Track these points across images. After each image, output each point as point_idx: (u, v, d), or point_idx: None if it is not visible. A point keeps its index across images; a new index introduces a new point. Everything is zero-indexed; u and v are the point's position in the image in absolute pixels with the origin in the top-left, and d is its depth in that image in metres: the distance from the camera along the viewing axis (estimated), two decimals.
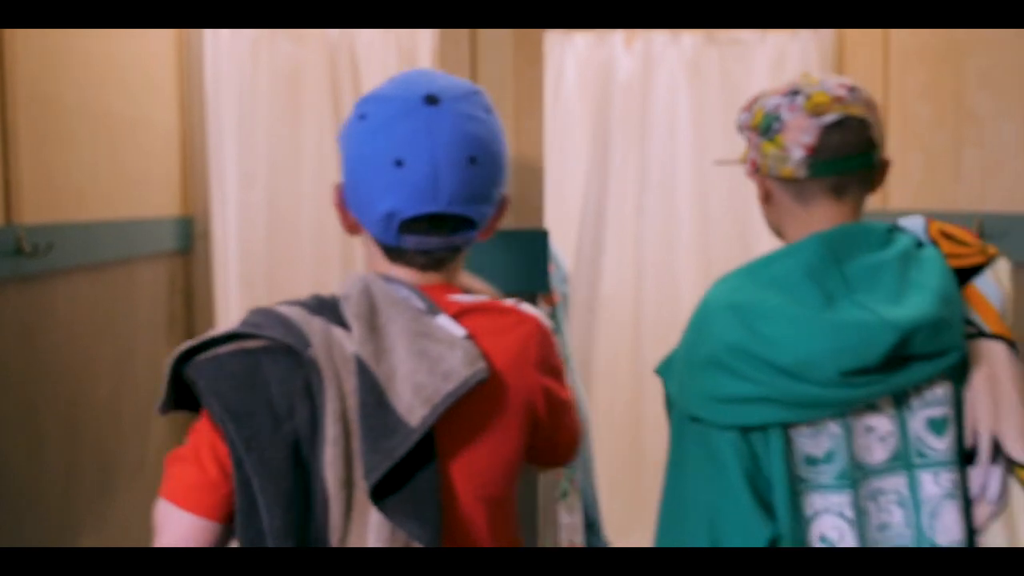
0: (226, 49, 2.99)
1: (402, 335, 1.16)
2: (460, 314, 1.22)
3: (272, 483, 1.11)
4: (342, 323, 1.18)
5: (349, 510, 1.14)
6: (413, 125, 1.17)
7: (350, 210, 1.25)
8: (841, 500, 1.27)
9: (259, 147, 3.00)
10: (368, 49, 3.08)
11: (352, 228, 1.28)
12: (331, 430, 1.12)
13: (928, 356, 1.24)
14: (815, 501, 1.28)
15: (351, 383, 1.14)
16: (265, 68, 3.06)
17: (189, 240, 2.93)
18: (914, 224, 1.38)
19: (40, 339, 2.04)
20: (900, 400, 1.27)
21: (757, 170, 1.38)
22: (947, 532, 1.26)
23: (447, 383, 1.14)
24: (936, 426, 1.28)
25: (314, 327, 1.16)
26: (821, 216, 1.35)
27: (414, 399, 1.13)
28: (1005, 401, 1.24)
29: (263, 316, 1.18)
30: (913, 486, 1.28)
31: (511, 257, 1.60)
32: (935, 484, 1.27)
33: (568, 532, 2.62)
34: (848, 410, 1.26)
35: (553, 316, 2.54)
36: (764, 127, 1.36)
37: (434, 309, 1.21)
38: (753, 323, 1.25)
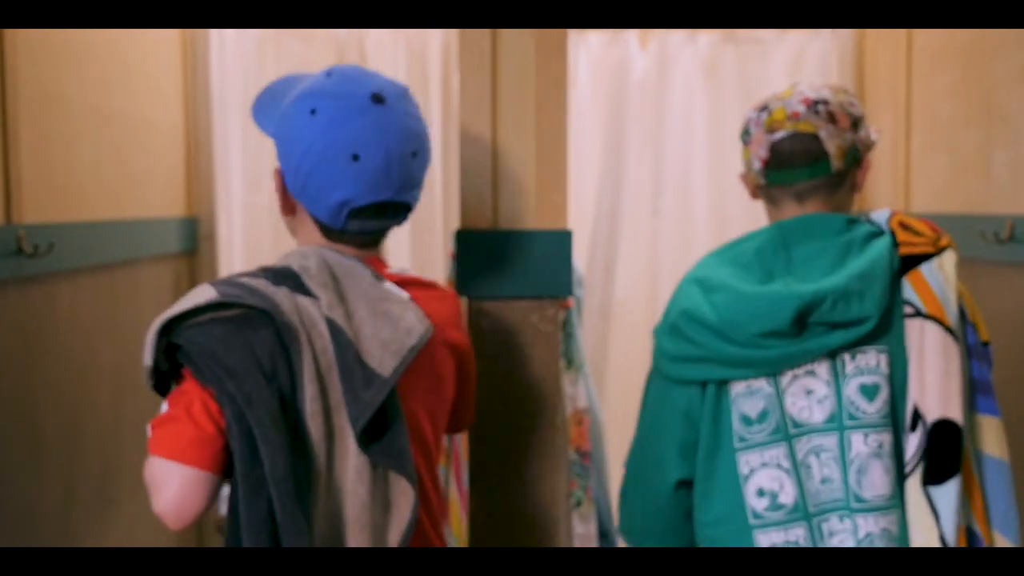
0: (232, 48, 2.95)
1: (363, 299, 1.33)
2: (398, 284, 1.39)
3: (273, 433, 1.21)
4: (304, 291, 1.31)
5: (331, 459, 1.27)
6: (366, 123, 1.32)
7: (291, 194, 1.38)
8: (777, 452, 1.45)
9: (265, 148, 2.96)
10: (377, 48, 3.03)
11: (290, 210, 1.42)
12: (309, 389, 1.25)
13: (841, 325, 1.43)
14: (751, 459, 1.46)
15: (321, 345, 1.27)
16: (272, 67, 3.02)
17: (194, 241, 2.90)
18: (880, 217, 1.53)
19: (41, 342, 2.00)
20: (836, 368, 1.45)
21: (744, 174, 1.60)
22: (873, 488, 1.41)
23: (409, 338, 1.32)
24: (867, 392, 1.43)
25: (280, 296, 1.28)
26: (789, 215, 1.55)
27: (383, 353, 1.30)
28: (929, 374, 1.41)
29: (234, 287, 1.27)
30: (844, 444, 1.43)
31: (534, 259, 1.54)
32: (864, 444, 1.42)
33: (582, 542, 2.56)
34: (774, 371, 1.45)
35: (567, 320, 2.49)
36: (742, 137, 1.59)
37: (380, 278, 1.37)
38: (706, 294, 1.48)
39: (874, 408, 1.43)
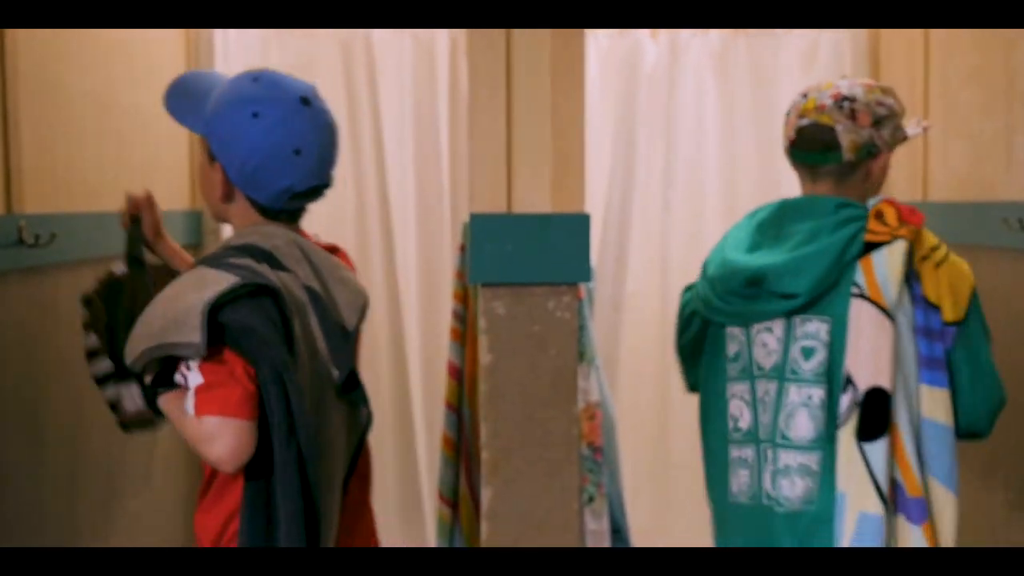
0: (236, 41, 2.92)
1: (324, 269, 1.61)
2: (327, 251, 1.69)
3: (302, 393, 1.45)
4: (281, 267, 1.52)
5: (318, 410, 1.51)
6: (302, 122, 1.59)
7: (237, 184, 1.59)
8: (743, 387, 1.83)
9: None
10: (383, 42, 2.99)
11: (228, 197, 1.62)
12: (303, 355, 1.48)
13: (780, 296, 1.74)
14: (732, 388, 1.84)
15: (305, 312, 1.52)
16: (276, 61, 2.98)
17: (199, 234, 2.86)
18: (873, 203, 1.74)
19: (42, 335, 1.97)
20: (788, 329, 1.76)
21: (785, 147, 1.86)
22: (796, 430, 1.74)
23: (360, 297, 1.68)
24: (806, 353, 1.74)
25: (268, 273, 1.48)
26: (806, 191, 1.84)
27: (348, 312, 1.62)
28: (863, 347, 1.66)
29: (242, 270, 1.46)
30: (781, 392, 1.76)
31: (550, 244, 1.49)
32: (796, 394, 1.74)
33: (594, 538, 2.52)
34: (740, 323, 1.81)
35: (578, 312, 2.44)
36: (786, 115, 1.85)
37: (320, 248, 1.66)
38: (715, 252, 1.87)
39: (809, 367, 1.73)
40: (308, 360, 1.49)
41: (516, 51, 1.51)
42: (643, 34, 3.04)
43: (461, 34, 2.91)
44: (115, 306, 1.75)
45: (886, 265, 1.68)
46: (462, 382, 2.50)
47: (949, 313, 1.69)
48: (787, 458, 1.74)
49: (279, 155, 1.57)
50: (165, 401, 1.51)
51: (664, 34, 3.04)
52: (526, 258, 1.48)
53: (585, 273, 1.52)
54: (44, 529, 1.95)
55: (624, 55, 3.06)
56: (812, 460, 1.73)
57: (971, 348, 1.71)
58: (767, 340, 1.78)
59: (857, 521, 1.68)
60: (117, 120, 2.34)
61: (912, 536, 1.68)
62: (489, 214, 1.51)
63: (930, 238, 1.72)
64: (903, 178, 2.75)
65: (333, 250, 1.77)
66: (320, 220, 3.01)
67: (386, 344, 3.02)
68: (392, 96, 3.02)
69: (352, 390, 1.62)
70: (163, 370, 1.49)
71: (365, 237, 3.00)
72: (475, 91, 1.54)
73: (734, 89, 3.06)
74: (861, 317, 1.68)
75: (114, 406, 1.74)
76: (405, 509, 3.08)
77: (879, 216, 1.71)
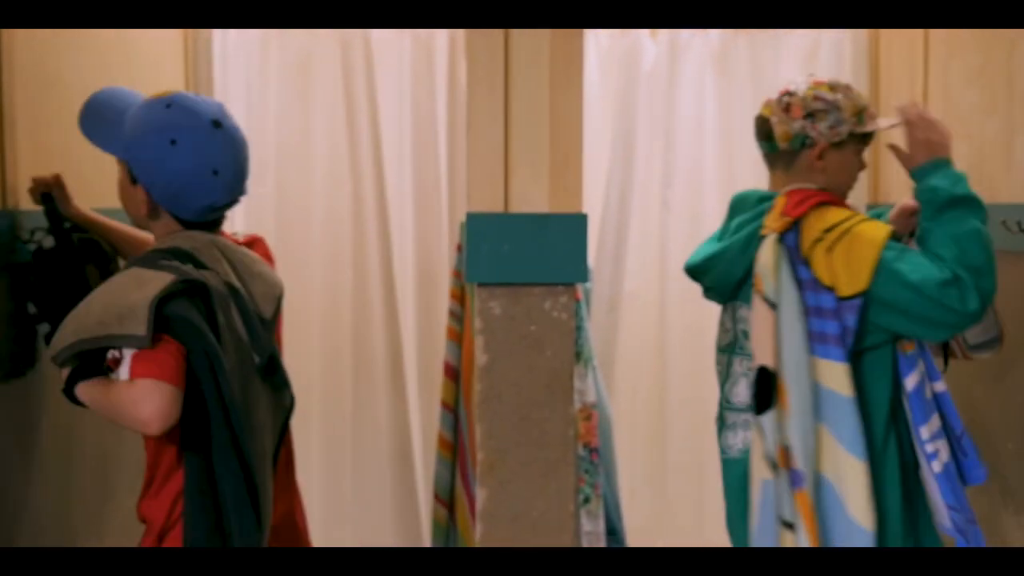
0: (235, 37, 2.90)
1: (242, 265, 1.76)
2: (244, 246, 1.85)
3: (231, 376, 1.61)
4: (202, 267, 1.66)
5: (245, 393, 1.65)
6: (217, 145, 1.71)
7: (160, 204, 1.71)
8: (723, 359, 2.12)
9: (268, 138, 2.92)
10: (382, 42, 2.99)
11: (153, 214, 1.73)
12: (228, 343, 1.63)
13: (704, 288, 2.13)
14: (716, 361, 2.16)
15: (228, 305, 1.66)
16: (275, 57, 2.97)
17: None
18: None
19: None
20: (732, 314, 2.08)
21: None
22: (737, 396, 2.06)
23: (276, 288, 1.85)
24: (745, 334, 2.04)
25: (193, 272, 1.62)
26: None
27: (264, 303, 1.78)
28: (755, 331, 1.91)
29: (175, 270, 1.60)
30: (730, 364, 2.08)
31: (547, 244, 1.49)
32: (739, 367, 2.05)
33: (590, 539, 2.51)
34: (718, 303, 2.13)
35: (575, 312, 2.43)
36: None
37: (239, 246, 1.81)
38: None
39: (749, 344, 1.97)
40: (232, 347, 1.64)
41: (514, 51, 1.50)
42: (643, 34, 3.03)
43: (460, 34, 2.90)
44: (51, 275, 1.87)
45: (761, 259, 1.89)
46: (459, 382, 2.49)
47: (846, 288, 1.81)
48: (731, 417, 2.07)
49: (199, 177, 1.70)
50: (87, 386, 1.60)
51: (664, 34, 3.03)
52: (523, 258, 1.48)
53: (582, 273, 1.52)
54: (39, 527, 1.94)
55: (624, 54, 3.05)
56: (747, 421, 2.02)
57: (892, 293, 1.79)
58: (724, 321, 2.11)
59: (760, 488, 1.89)
60: None
61: (792, 500, 1.84)
62: (486, 213, 1.50)
63: (824, 220, 1.85)
64: (902, 179, 2.74)
65: (254, 241, 1.94)
66: (318, 217, 3.02)
67: (383, 343, 3.01)
68: (391, 95, 3.02)
69: (273, 374, 1.79)
70: (83, 364, 1.60)
71: (363, 236, 2.99)
72: (473, 91, 1.53)
73: (734, 89, 3.05)
74: (754, 305, 1.90)
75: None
76: (401, 509, 3.07)
77: (773, 209, 1.93)
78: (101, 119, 1.75)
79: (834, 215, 1.88)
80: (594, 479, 2.51)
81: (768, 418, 1.86)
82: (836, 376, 1.82)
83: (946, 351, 2.06)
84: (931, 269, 1.78)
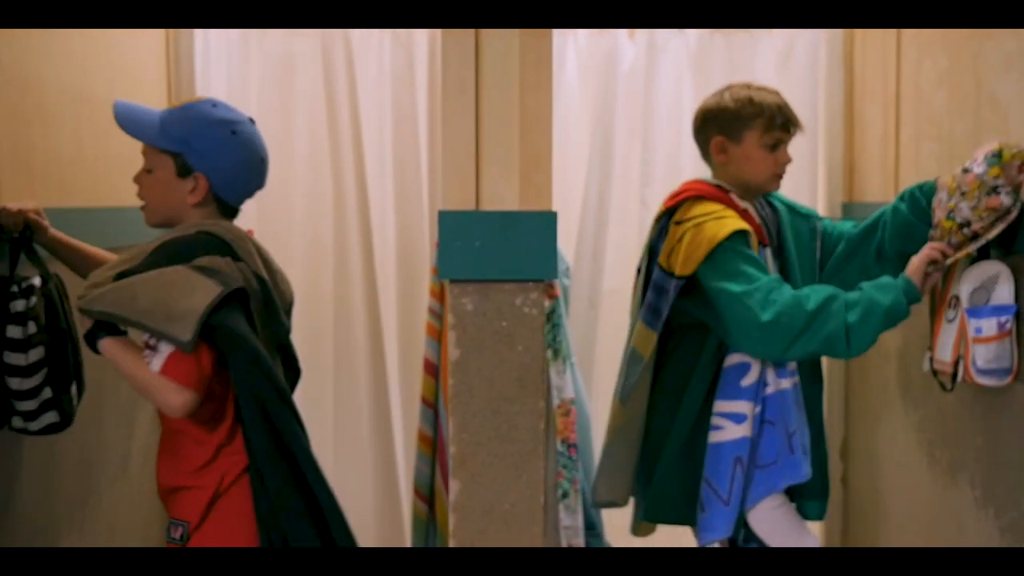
0: (216, 36, 2.92)
1: (268, 260, 1.93)
2: None
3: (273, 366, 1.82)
4: (238, 258, 1.81)
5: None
6: (258, 137, 1.94)
7: (217, 191, 1.89)
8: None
9: None
10: (362, 41, 3.01)
11: (203, 203, 1.89)
12: (263, 338, 1.82)
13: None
14: None
15: (259, 298, 1.83)
16: (256, 56, 2.99)
17: None
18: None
19: None
20: None
21: None
22: None
23: (290, 286, 2.03)
24: None
25: (234, 271, 1.77)
26: None
27: (286, 297, 1.99)
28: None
29: (217, 274, 1.74)
30: None
31: (518, 241, 1.51)
32: None
33: (568, 534, 2.53)
34: None
35: (553, 310, 2.46)
36: None
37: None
38: None
39: None
40: (266, 343, 1.83)
41: (485, 51, 1.53)
42: (621, 34, 3.06)
43: (439, 34, 2.92)
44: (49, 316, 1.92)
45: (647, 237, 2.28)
46: (438, 378, 2.52)
47: (678, 269, 2.10)
48: None
49: (253, 165, 1.93)
50: (115, 346, 1.77)
51: (642, 34, 3.06)
52: (494, 255, 1.51)
53: (552, 270, 1.55)
54: (19, 526, 1.96)
55: (602, 55, 3.08)
56: None
57: (709, 288, 2.09)
58: None
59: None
60: (95, 116, 2.34)
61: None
62: (458, 211, 1.53)
63: (690, 211, 2.15)
64: (876, 178, 2.78)
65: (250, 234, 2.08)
66: (299, 216, 3.04)
67: (364, 339, 3.03)
68: (371, 94, 3.04)
69: (291, 363, 2.05)
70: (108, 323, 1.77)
71: (344, 234, 3.02)
72: (447, 91, 1.56)
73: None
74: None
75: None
76: (382, 505, 3.09)
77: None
78: (138, 121, 1.90)
79: (701, 209, 2.15)
80: (572, 474, 2.53)
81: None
82: (643, 338, 2.20)
83: (955, 372, 2.09)
84: (751, 290, 2.04)
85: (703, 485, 2.16)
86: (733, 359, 2.15)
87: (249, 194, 1.96)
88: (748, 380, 2.13)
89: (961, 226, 2.00)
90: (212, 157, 1.88)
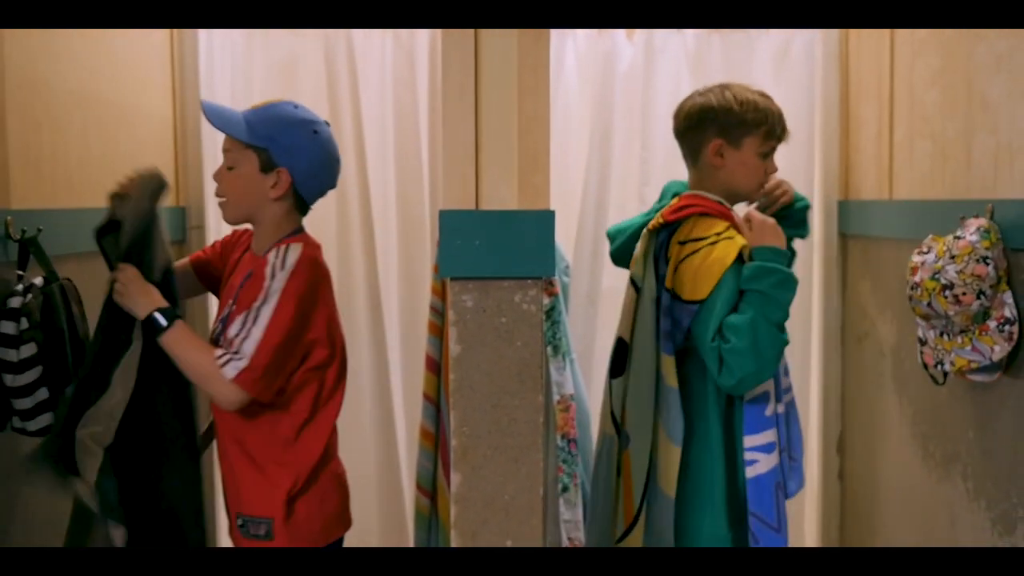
0: (220, 37, 2.95)
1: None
2: None
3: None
4: None
5: None
6: (334, 139, 2.05)
7: (298, 186, 2.00)
8: None
9: None
10: (365, 42, 3.04)
11: (283, 198, 2.00)
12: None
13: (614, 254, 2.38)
14: None
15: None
16: (260, 58, 3.03)
17: (183, 231, 2.90)
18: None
19: None
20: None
21: None
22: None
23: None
24: None
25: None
26: None
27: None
28: (624, 301, 2.21)
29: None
30: None
31: (516, 239, 1.55)
32: None
33: (568, 528, 2.57)
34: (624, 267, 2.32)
35: (553, 307, 2.49)
36: None
37: None
38: None
39: None
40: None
41: (484, 51, 1.56)
42: (619, 35, 3.09)
43: (439, 34, 2.96)
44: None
45: (639, 246, 2.14)
46: (440, 375, 2.55)
47: (687, 294, 2.03)
48: None
49: (331, 163, 2.04)
50: (181, 343, 1.90)
51: (640, 35, 3.10)
52: (493, 253, 1.54)
53: (550, 267, 1.58)
54: (12, 522, 1.98)
55: (601, 56, 3.11)
56: None
57: (711, 314, 1.99)
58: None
59: (602, 440, 2.23)
60: (102, 118, 2.37)
61: (619, 457, 2.17)
62: (458, 210, 1.56)
63: (694, 230, 2.04)
64: (871, 176, 2.81)
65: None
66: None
67: (367, 336, 3.07)
68: (373, 96, 3.07)
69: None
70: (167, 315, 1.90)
71: (346, 233, 3.05)
72: (447, 92, 1.59)
73: None
74: (628, 282, 2.17)
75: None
76: (384, 500, 3.13)
77: (669, 205, 2.14)
78: (228, 118, 1.99)
79: (705, 227, 2.05)
80: (572, 469, 2.57)
81: (618, 382, 2.16)
82: (668, 368, 2.06)
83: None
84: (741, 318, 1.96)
85: (750, 519, 2.06)
86: (755, 391, 2.06)
87: (323, 192, 2.06)
88: (770, 410, 2.09)
89: (944, 288, 2.00)
90: (295, 154, 1.96)
